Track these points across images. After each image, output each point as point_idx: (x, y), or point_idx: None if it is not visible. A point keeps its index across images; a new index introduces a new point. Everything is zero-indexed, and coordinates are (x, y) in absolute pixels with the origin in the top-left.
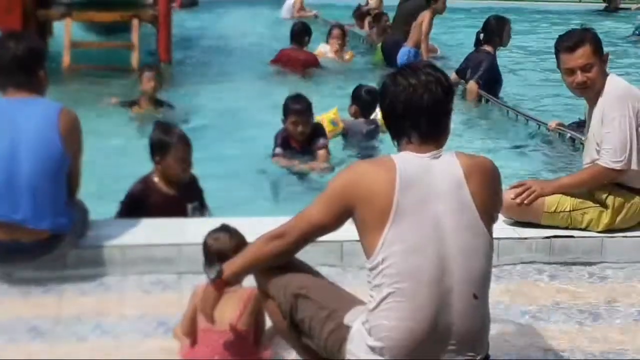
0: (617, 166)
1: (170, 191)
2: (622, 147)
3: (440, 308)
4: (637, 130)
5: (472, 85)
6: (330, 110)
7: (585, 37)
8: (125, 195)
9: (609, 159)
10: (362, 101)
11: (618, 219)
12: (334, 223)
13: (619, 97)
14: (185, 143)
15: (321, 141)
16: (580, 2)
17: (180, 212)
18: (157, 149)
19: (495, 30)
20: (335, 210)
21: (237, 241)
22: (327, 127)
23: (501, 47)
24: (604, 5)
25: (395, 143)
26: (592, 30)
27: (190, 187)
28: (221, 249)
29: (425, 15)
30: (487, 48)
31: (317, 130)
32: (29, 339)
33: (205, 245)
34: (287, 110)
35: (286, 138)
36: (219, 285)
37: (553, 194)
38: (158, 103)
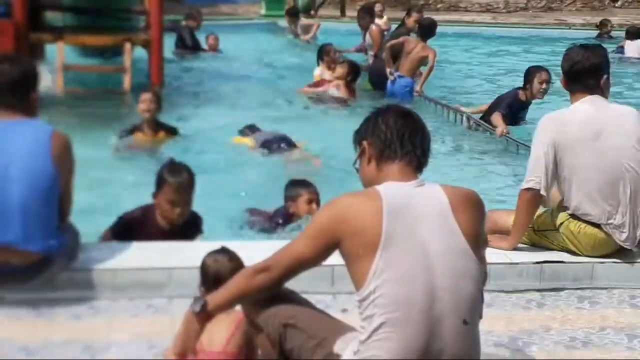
0: (526, 185)
1: (166, 226)
2: (532, 167)
3: (431, 335)
4: (555, 158)
5: (495, 115)
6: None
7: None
8: (124, 213)
9: (524, 181)
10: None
11: (575, 246)
12: (320, 257)
13: (543, 123)
14: (179, 188)
15: None
16: (570, 28)
17: None
18: (156, 184)
19: (525, 78)
20: (321, 244)
21: (236, 265)
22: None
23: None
24: (597, 32)
25: (357, 165)
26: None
27: (189, 226)
28: (219, 270)
29: (430, 52)
30: (519, 91)
31: None
32: None
33: (204, 265)
34: (293, 183)
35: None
36: (202, 318)
37: (517, 243)
38: (159, 127)
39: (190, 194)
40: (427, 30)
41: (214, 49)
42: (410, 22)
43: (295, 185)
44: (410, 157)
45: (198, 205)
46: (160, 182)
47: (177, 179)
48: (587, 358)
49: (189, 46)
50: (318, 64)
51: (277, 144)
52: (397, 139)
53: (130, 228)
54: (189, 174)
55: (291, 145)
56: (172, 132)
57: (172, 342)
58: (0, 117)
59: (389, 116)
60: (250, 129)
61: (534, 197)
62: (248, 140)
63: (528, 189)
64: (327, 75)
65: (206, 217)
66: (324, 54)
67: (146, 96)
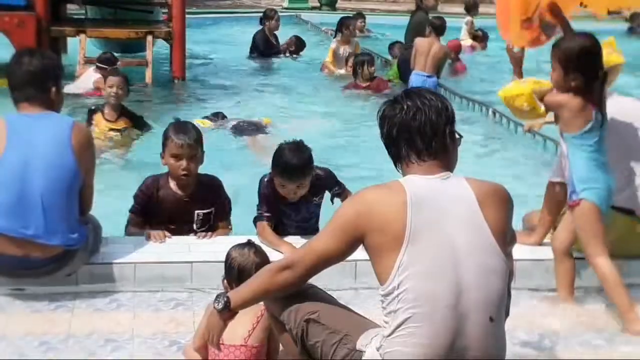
0: (553, 179)
1: (180, 192)
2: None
3: (456, 332)
4: None
5: None
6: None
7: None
8: (138, 188)
9: (553, 172)
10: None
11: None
12: (344, 252)
13: None
14: (183, 141)
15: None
16: (598, 21)
17: (187, 217)
18: (162, 144)
19: None
20: (345, 240)
21: (261, 259)
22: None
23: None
24: (628, 25)
25: (399, 170)
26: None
27: (207, 192)
28: (244, 263)
29: (446, 49)
30: None
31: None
32: (40, 354)
33: (229, 257)
34: (275, 164)
35: (271, 195)
36: (225, 315)
37: (543, 238)
38: (122, 113)
39: (196, 150)
40: (442, 28)
41: (293, 52)
42: (430, 1)
43: (275, 153)
44: (412, 153)
45: None
46: (164, 140)
47: (180, 133)
48: (614, 358)
49: (262, 51)
50: (335, 36)
51: (246, 127)
52: (393, 140)
53: (148, 195)
54: (195, 130)
55: (259, 129)
56: (133, 120)
57: (193, 337)
58: (22, 110)
59: (386, 115)
60: (215, 116)
61: (562, 191)
62: (207, 123)
63: (557, 183)
64: (342, 49)
65: None
66: (344, 27)
67: (114, 80)
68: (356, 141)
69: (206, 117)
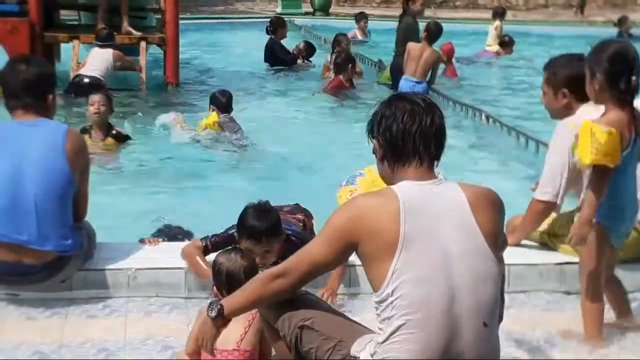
0: (544, 198)
1: None
2: (549, 177)
3: (451, 338)
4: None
5: None
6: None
7: (548, 65)
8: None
9: (539, 191)
10: (217, 102)
11: None
12: (338, 259)
13: (559, 129)
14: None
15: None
16: (591, 26)
17: None
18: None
19: None
20: (338, 247)
21: (248, 263)
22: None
23: None
24: (617, 30)
25: (392, 172)
26: (565, 59)
27: None
28: (232, 268)
29: (439, 55)
30: None
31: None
32: None
33: (216, 263)
34: (240, 228)
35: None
36: (218, 323)
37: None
38: (109, 132)
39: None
40: (437, 34)
41: (305, 57)
42: (417, 6)
43: (242, 214)
44: (425, 156)
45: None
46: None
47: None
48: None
49: (282, 59)
50: (332, 52)
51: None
52: (409, 139)
53: None
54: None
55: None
56: (122, 138)
57: (186, 341)
58: (17, 117)
59: (399, 111)
60: (223, 94)
61: (548, 209)
62: (214, 117)
63: (542, 201)
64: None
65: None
66: (337, 44)
67: (95, 98)
68: (345, 147)
69: (211, 98)
